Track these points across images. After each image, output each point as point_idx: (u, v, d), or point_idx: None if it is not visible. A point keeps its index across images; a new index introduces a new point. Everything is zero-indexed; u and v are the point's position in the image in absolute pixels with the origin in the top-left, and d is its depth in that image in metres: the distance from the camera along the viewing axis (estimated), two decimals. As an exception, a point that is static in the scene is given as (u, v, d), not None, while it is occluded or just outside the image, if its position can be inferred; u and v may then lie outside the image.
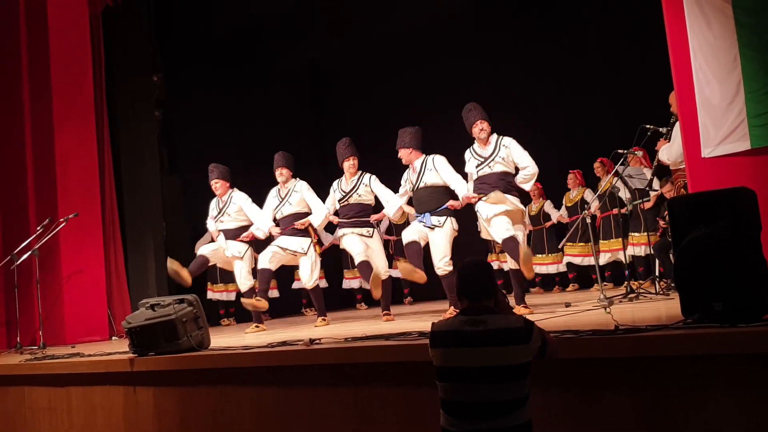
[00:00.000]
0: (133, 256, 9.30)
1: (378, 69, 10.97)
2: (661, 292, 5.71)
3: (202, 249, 7.21)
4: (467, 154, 5.90)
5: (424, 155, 6.25)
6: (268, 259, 6.73)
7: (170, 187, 9.99)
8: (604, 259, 8.22)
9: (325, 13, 10.78)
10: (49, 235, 7.62)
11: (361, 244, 6.64)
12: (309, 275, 6.80)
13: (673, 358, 2.88)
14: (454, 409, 2.65)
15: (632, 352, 2.96)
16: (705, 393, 2.82)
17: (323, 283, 9.35)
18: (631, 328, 3.12)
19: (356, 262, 6.70)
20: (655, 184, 6.92)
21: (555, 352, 2.83)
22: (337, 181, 6.93)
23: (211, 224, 7.41)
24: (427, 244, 6.09)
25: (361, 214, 6.77)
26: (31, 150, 8.43)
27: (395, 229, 9.99)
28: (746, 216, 3.01)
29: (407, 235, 6.12)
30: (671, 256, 5.81)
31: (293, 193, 6.92)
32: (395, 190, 6.66)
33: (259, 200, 7.23)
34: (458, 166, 6.14)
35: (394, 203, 6.56)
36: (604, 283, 7.66)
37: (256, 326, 6.81)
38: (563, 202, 9.19)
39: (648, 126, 5.61)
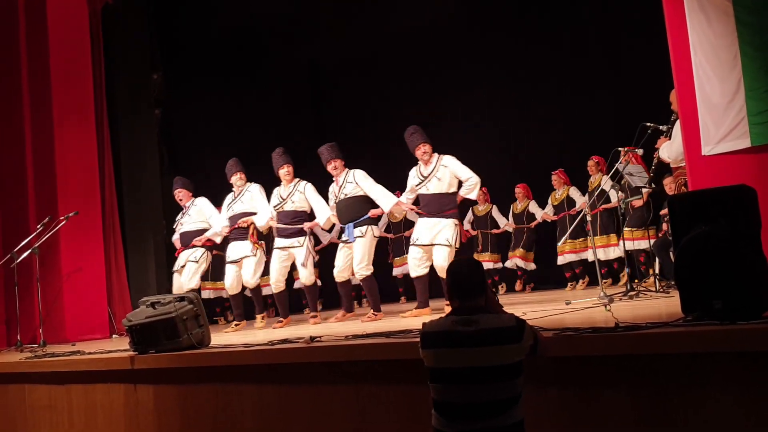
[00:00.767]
0: (133, 255, 9.30)
1: (378, 69, 10.98)
2: (661, 290, 5.72)
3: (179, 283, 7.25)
4: (412, 171, 6.44)
5: (346, 169, 6.63)
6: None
7: (170, 187, 9.97)
8: (593, 255, 8.18)
9: (326, 13, 10.80)
10: (50, 233, 7.62)
11: (282, 269, 6.88)
12: (251, 275, 7.02)
13: (672, 355, 2.88)
14: (447, 409, 2.63)
15: (632, 349, 2.96)
16: (704, 391, 2.82)
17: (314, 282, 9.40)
18: (632, 326, 3.12)
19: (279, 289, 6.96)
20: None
21: (546, 350, 2.83)
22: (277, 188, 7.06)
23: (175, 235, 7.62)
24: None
25: (296, 221, 6.83)
26: (30, 148, 8.44)
27: (393, 227, 10.01)
28: (746, 214, 3.00)
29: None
30: (671, 254, 5.81)
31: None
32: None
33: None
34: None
35: (323, 214, 6.73)
36: (604, 280, 7.63)
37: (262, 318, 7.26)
38: (549, 201, 9.13)
39: (648, 124, 5.62)
